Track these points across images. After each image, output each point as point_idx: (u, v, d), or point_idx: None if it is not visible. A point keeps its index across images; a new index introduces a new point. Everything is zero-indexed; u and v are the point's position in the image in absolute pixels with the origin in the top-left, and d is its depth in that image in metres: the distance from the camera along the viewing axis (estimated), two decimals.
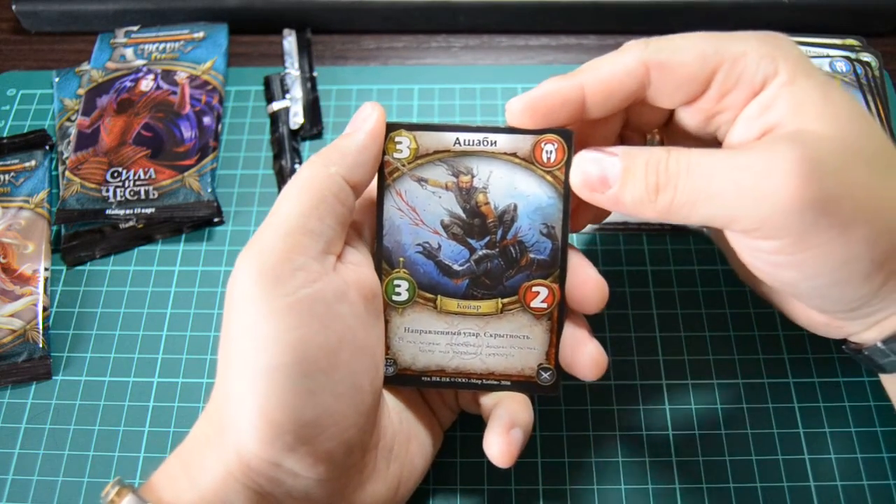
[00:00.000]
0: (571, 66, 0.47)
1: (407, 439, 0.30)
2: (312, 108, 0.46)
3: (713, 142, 0.29)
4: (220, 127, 0.44)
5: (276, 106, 0.46)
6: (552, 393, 0.30)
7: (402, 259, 0.29)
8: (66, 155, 0.43)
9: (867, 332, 0.27)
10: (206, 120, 0.44)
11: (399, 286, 0.29)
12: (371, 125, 0.28)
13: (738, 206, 0.24)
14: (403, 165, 0.29)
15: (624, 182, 0.26)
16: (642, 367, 0.36)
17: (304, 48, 0.49)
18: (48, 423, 0.36)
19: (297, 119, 0.45)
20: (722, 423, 0.35)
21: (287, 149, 0.44)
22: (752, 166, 0.23)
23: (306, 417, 0.25)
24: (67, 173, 0.42)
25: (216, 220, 0.42)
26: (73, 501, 0.34)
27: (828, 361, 0.36)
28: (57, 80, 0.47)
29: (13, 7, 0.49)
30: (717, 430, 0.35)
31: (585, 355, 0.29)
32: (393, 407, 0.30)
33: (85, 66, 0.47)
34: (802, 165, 0.23)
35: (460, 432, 0.35)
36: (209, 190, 0.41)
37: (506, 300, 0.29)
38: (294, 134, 0.45)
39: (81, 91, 0.45)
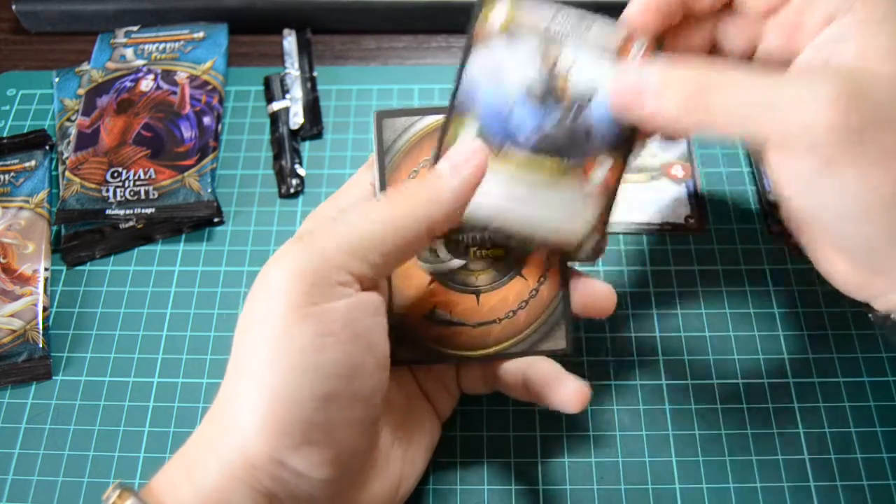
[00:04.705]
0: None
1: (407, 436, 0.30)
2: (312, 108, 0.46)
3: None
4: (220, 127, 0.44)
5: (276, 106, 0.46)
6: (592, 260, 0.31)
7: (473, 110, 0.29)
8: (66, 155, 0.43)
9: (893, 295, 0.27)
10: (206, 120, 0.44)
11: (467, 131, 0.29)
12: (473, 185, 0.27)
13: (777, 124, 0.24)
14: (496, 30, 0.29)
15: (661, 94, 0.26)
16: (642, 366, 0.36)
17: (304, 48, 0.49)
18: (48, 423, 0.36)
19: (297, 119, 0.45)
20: (722, 423, 0.35)
21: (287, 149, 0.44)
22: (798, 87, 0.24)
23: (316, 421, 0.24)
24: (67, 173, 0.42)
25: (216, 220, 0.42)
26: (73, 501, 0.34)
27: (828, 361, 0.36)
28: (57, 80, 0.47)
29: (13, 7, 0.49)
30: (718, 429, 0.35)
31: (599, 296, 0.31)
32: (394, 405, 0.30)
33: (85, 66, 0.47)
34: (847, 93, 0.23)
35: (460, 432, 0.35)
36: (209, 190, 0.41)
37: (568, 168, 0.29)
38: (294, 134, 0.45)
39: (81, 91, 0.45)
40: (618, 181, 0.29)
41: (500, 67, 0.29)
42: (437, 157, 0.29)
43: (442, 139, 0.29)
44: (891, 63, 0.24)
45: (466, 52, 0.29)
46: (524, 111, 0.29)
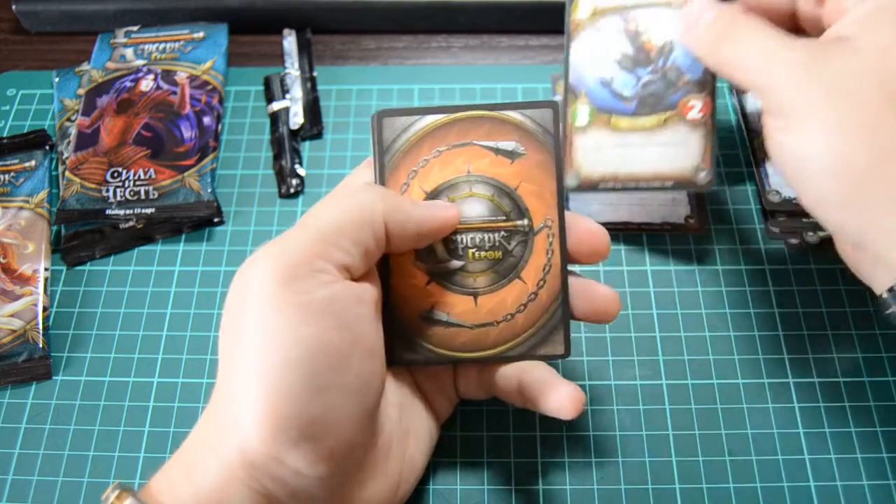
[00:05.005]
0: None
1: (405, 436, 0.30)
2: (312, 108, 0.46)
3: None
4: (220, 127, 0.44)
5: (276, 106, 0.46)
6: (707, 189, 0.36)
7: (583, 91, 0.36)
8: (66, 155, 0.43)
9: (878, 273, 0.29)
10: (206, 120, 0.44)
11: (581, 111, 0.36)
12: (439, 219, 0.29)
13: (764, 76, 0.28)
14: (586, 20, 0.37)
15: (692, 28, 0.32)
16: (643, 366, 0.36)
17: (304, 48, 0.49)
18: (48, 423, 0.36)
19: (297, 119, 0.45)
20: (722, 423, 0.35)
21: (287, 149, 0.44)
22: (791, 48, 0.28)
23: (312, 414, 0.24)
24: (67, 173, 0.42)
25: (216, 220, 0.42)
26: (73, 501, 0.34)
27: (828, 361, 0.36)
28: (57, 80, 0.47)
29: (13, 7, 0.49)
30: (717, 429, 0.35)
31: (602, 300, 0.31)
32: (391, 403, 0.30)
33: (85, 66, 0.47)
34: (806, 67, 0.27)
35: (460, 432, 0.35)
36: (209, 190, 0.41)
37: (667, 114, 0.35)
38: (294, 134, 0.45)
39: (81, 91, 0.45)
40: (712, 115, 0.35)
41: (595, 49, 0.36)
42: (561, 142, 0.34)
43: (564, 123, 0.36)
44: (876, 49, 0.27)
45: (567, 44, 0.37)
46: (623, 77, 0.36)
